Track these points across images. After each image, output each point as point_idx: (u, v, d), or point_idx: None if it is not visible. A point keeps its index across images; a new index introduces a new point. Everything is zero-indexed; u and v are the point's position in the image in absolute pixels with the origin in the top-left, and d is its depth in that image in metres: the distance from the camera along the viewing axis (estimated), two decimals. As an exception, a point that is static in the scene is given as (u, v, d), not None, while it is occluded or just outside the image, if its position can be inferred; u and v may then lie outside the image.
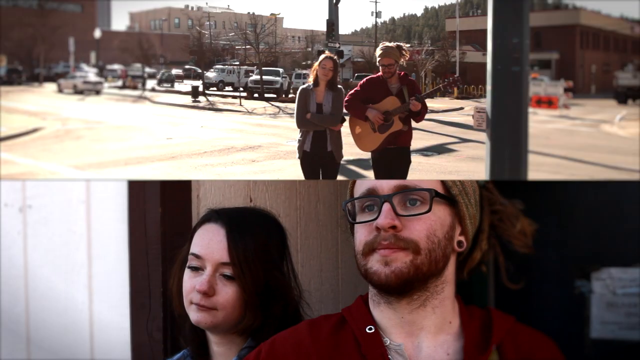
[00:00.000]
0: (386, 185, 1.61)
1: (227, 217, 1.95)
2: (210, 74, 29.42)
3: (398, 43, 5.09)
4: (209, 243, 1.91)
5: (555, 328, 2.87)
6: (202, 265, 1.91)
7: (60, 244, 2.70)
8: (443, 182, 1.63)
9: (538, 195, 2.89)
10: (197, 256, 1.92)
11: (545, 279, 2.88)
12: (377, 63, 5.01)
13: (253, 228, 1.96)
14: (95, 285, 2.68)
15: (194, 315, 1.89)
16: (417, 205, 1.59)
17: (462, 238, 1.66)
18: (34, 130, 14.81)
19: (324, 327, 1.68)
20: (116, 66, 33.17)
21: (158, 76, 33.43)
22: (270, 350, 1.67)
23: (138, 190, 2.62)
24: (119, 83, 32.55)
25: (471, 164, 10.56)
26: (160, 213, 2.56)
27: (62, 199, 2.71)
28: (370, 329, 1.63)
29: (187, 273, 1.94)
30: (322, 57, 5.17)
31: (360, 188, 1.65)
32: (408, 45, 5.15)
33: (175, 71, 34.60)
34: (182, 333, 2.03)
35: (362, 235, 1.61)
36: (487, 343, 1.61)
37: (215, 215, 1.96)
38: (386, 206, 1.57)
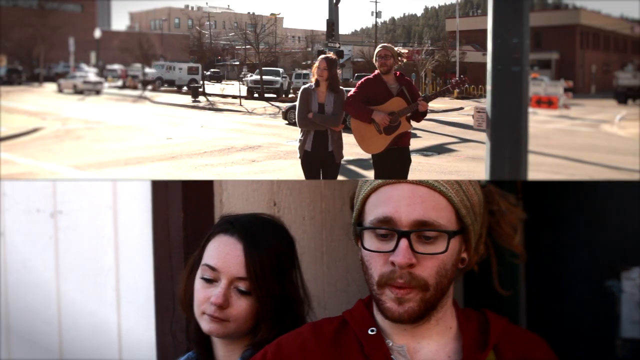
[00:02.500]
0: (405, 218, 1.57)
1: (244, 230, 1.94)
2: (150, 71, 29.51)
3: (399, 47, 5.12)
4: (226, 257, 1.91)
5: (585, 327, 2.88)
6: (216, 277, 1.91)
7: (90, 248, 2.78)
8: (457, 212, 1.61)
9: (568, 195, 2.90)
10: (212, 268, 1.92)
11: (575, 278, 2.89)
12: (375, 58, 5.00)
13: (268, 241, 1.96)
14: (123, 287, 2.75)
15: (206, 325, 1.91)
16: (431, 241, 1.58)
17: (465, 255, 1.67)
18: (34, 130, 14.82)
19: (327, 329, 1.70)
20: (116, 66, 33.17)
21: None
22: (276, 351, 1.69)
23: (161, 195, 2.69)
24: (119, 83, 32.56)
25: (471, 164, 10.56)
26: (183, 218, 2.62)
27: (90, 204, 2.79)
28: (372, 330, 1.65)
29: (200, 283, 1.94)
30: (319, 58, 5.19)
31: (375, 210, 1.62)
32: (405, 50, 5.15)
33: (175, 71, 34.59)
34: (187, 333, 2.05)
35: (377, 264, 1.61)
36: (486, 342, 1.63)
37: (232, 227, 1.95)
38: (404, 243, 1.57)
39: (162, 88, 27.55)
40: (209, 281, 1.91)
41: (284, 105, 17.58)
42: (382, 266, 1.60)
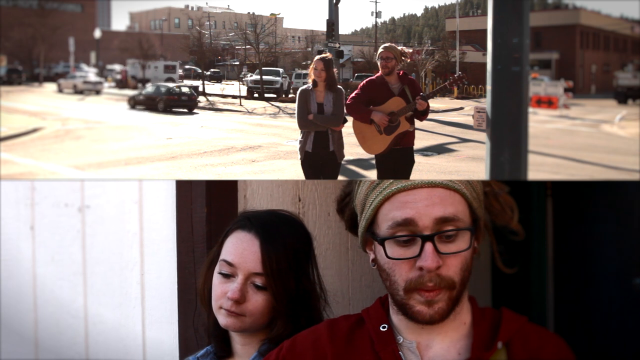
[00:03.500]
0: (425, 218, 1.57)
1: (261, 226, 1.97)
2: (123, 69, 29.63)
3: (399, 44, 5.12)
4: (243, 252, 1.95)
5: (613, 325, 2.88)
6: (233, 272, 1.95)
7: (115, 242, 2.84)
8: (470, 206, 1.63)
9: (596, 194, 2.90)
10: (229, 264, 1.95)
11: (604, 276, 2.89)
12: (377, 59, 5.00)
13: (285, 237, 1.98)
14: (147, 281, 2.81)
15: (223, 319, 1.95)
16: (452, 239, 1.59)
17: (476, 244, 1.68)
18: (34, 130, 14.81)
19: (342, 326, 1.73)
20: (116, 66, 33.17)
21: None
22: (290, 347, 1.73)
23: (185, 191, 2.72)
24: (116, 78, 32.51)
25: (471, 164, 10.56)
26: (206, 213, 2.66)
27: (117, 199, 2.84)
28: (384, 327, 1.68)
29: (218, 278, 1.97)
30: (315, 58, 5.16)
31: (390, 215, 1.61)
32: (409, 50, 5.15)
33: (175, 71, 34.59)
34: (206, 327, 2.09)
35: (402, 270, 1.60)
36: (494, 341, 1.63)
37: (249, 224, 1.98)
38: (429, 247, 1.57)
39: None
40: (227, 276, 1.95)
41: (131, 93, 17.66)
42: (407, 272, 1.60)
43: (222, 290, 1.95)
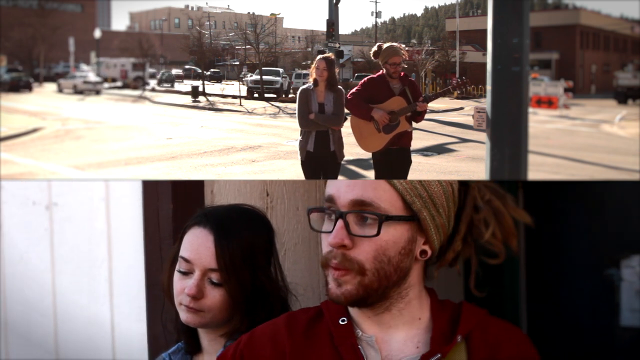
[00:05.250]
0: (343, 197, 1.58)
1: (216, 222, 1.97)
2: (87, 69, 29.75)
3: (400, 43, 5.12)
4: (198, 248, 1.95)
5: (585, 316, 2.90)
6: (190, 269, 1.95)
7: (84, 240, 2.82)
8: (402, 198, 1.59)
9: (567, 190, 2.97)
10: (186, 260, 1.96)
11: (575, 268, 2.90)
12: (383, 62, 4.97)
13: (241, 232, 1.98)
14: (115, 279, 2.79)
15: (183, 315, 1.96)
16: (369, 223, 1.57)
17: (425, 247, 1.63)
18: (34, 130, 14.83)
19: (300, 320, 1.72)
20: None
21: (158, 76, 33.48)
22: (248, 341, 1.71)
23: (152, 187, 2.71)
24: (119, 83, 32.59)
25: (471, 164, 10.56)
26: (172, 209, 2.63)
27: (84, 196, 2.82)
28: (343, 320, 1.66)
29: (177, 275, 1.99)
30: (317, 58, 5.17)
31: (326, 190, 1.64)
32: (404, 47, 5.14)
33: (175, 71, 34.65)
34: (176, 324, 2.09)
35: (323, 244, 1.63)
36: (454, 334, 1.62)
37: (204, 220, 1.98)
38: (340, 223, 1.57)
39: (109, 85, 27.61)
40: (185, 273, 1.96)
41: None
42: (325, 246, 1.62)
43: (181, 287, 1.96)
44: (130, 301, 2.74)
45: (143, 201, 2.71)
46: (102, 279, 2.78)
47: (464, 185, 1.69)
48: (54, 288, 2.84)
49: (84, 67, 32.07)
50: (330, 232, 1.59)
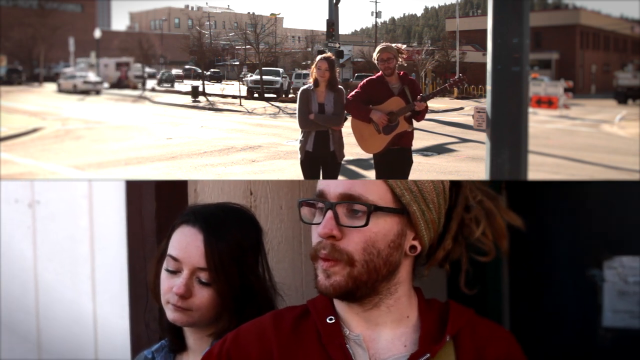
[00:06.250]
0: (333, 190, 1.61)
1: (205, 220, 1.97)
2: (69, 69, 29.78)
3: (400, 43, 5.12)
4: (187, 247, 1.94)
5: (568, 316, 2.90)
6: (179, 267, 1.94)
7: (66, 238, 2.81)
8: (392, 190, 1.61)
9: (550, 189, 2.95)
10: (174, 259, 1.95)
11: (558, 268, 2.91)
12: (376, 61, 5.01)
13: (230, 231, 1.97)
14: (98, 277, 2.78)
15: (170, 314, 1.95)
16: (358, 215, 1.58)
17: (415, 243, 1.64)
18: (34, 130, 14.83)
19: (287, 318, 1.71)
20: (108, 60, 33.20)
21: (158, 76, 33.48)
22: (234, 339, 1.70)
23: (135, 185, 2.70)
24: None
25: (471, 164, 10.56)
26: (156, 207, 2.62)
27: (67, 194, 2.81)
28: (330, 319, 1.65)
29: (165, 273, 1.97)
30: (317, 58, 5.18)
31: (317, 186, 1.66)
32: (405, 46, 5.14)
33: (175, 71, 34.64)
34: (160, 322, 2.08)
35: (313, 236, 1.64)
36: (442, 333, 1.62)
37: (193, 218, 1.98)
38: (329, 214, 1.59)
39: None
40: (173, 272, 1.95)
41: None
42: (315, 238, 1.63)
43: (168, 285, 1.94)
44: (113, 299, 2.73)
45: (126, 199, 2.70)
46: (85, 276, 2.77)
47: (456, 185, 1.70)
48: (36, 285, 2.83)
49: (71, 67, 32.04)
50: (320, 224, 1.60)
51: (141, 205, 2.66)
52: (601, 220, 2.84)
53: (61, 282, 2.80)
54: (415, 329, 1.65)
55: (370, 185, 1.60)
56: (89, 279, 2.77)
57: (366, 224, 1.57)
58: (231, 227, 1.98)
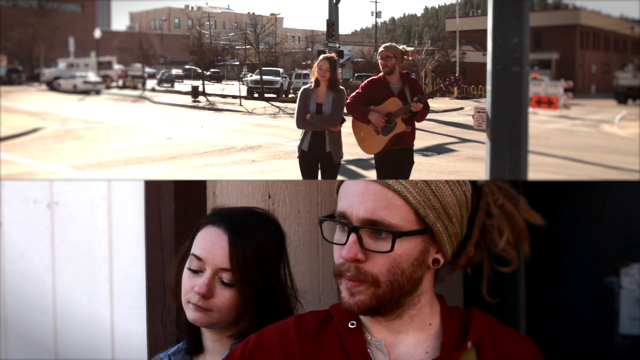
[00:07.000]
0: (355, 214, 1.58)
1: (231, 222, 1.97)
2: (49, 70, 29.81)
3: (404, 46, 5.13)
4: (211, 247, 1.94)
5: (584, 323, 2.89)
6: (202, 267, 1.94)
7: (85, 239, 2.81)
8: (416, 211, 1.58)
9: (567, 194, 2.93)
10: (198, 258, 1.94)
11: (575, 275, 2.90)
12: (378, 59, 5.03)
13: (255, 234, 1.97)
14: (116, 278, 2.78)
15: (191, 314, 1.94)
16: (382, 237, 1.57)
17: (438, 256, 1.63)
18: (34, 130, 14.83)
19: (310, 322, 1.71)
20: (116, 66, 33.21)
21: (158, 76, 33.50)
22: (257, 340, 1.70)
23: (154, 187, 2.70)
24: (119, 83, 32.60)
25: (471, 164, 10.56)
26: (175, 209, 2.62)
27: (86, 195, 2.81)
28: (352, 324, 1.66)
29: (187, 272, 1.97)
30: (319, 58, 5.19)
31: (339, 203, 1.64)
32: (410, 48, 5.15)
33: (175, 71, 34.66)
34: (178, 323, 2.08)
35: (335, 255, 1.63)
36: (464, 340, 1.62)
37: (219, 219, 1.98)
38: (353, 237, 1.57)
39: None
40: (195, 271, 1.94)
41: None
42: (338, 257, 1.62)
43: (190, 285, 1.94)
44: (130, 301, 2.73)
45: (145, 201, 2.70)
46: (103, 278, 2.77)
47: (477, 189, 1.68)
48: (54, 287, 2.84)
49: (61, 64, 31.97)
50: (343, 244, 1.59)
51: (160, 208, 2.66)
52: (619, 225, 2.83)
53: (79, 283, 2.80)
54: (437, 336, 1.65)
55: (392, 208, 1.57)
56: (106, 280, 2.77)
57: (392, 250, 1.56)
58: (256, 231, 1.98)
